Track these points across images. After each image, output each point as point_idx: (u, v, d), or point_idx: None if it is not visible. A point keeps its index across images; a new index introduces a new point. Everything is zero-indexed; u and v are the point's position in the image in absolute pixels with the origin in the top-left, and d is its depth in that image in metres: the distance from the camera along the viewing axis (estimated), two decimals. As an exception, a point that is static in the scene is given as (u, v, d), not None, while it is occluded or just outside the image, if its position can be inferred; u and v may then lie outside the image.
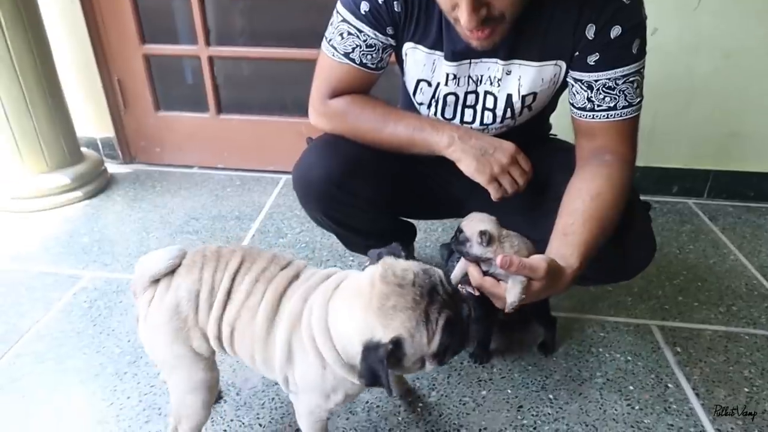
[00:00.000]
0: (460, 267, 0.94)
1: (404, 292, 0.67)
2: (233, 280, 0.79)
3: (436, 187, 1.16)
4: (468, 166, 0.93)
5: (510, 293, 0.78)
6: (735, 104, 1.82)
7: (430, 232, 1.70)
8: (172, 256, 0.81)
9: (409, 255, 1.45)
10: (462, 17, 0.79)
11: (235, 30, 2.00)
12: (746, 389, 1.14)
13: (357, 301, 0.69)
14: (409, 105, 1.12)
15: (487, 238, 0.82)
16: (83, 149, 1.98)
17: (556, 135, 1.24)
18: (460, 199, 1.15)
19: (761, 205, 1.93)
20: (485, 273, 0.85)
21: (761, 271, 1.55)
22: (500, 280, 0.82)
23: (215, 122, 2.06)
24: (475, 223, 0.86)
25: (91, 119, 2.07)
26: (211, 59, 1.96)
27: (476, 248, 0.84)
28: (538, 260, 0.76)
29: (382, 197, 1.09)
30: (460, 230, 0.86)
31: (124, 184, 2.00)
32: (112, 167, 2.11)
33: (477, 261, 0.85)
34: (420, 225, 1.71)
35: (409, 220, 1.35)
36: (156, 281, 0.81)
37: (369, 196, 1.06)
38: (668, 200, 1.96)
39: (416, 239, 1.56)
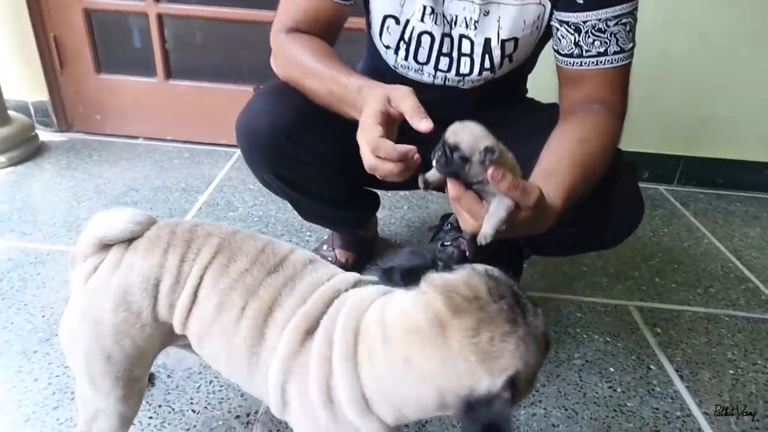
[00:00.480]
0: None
1: (492, 314, 0.48)
2: (201, 277, 0.61)
3: None
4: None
5: (491, 218, 0.62)
6: (708, 87, 1.78)
7: (395, 210, 1.58)
8: (134, 221, 0.63)
9: (371, 229, 1.33)
10: None
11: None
12: (731, 371, 1.06)
13: (421, 350, 0.49)
14: (372, 60, 1.00)
15: (495, 157, 0.60)
16: (11, 112, 1.76)
17: (532, 99, 1.14)
18: (426, 165, 1.03)
19: (731, 192, 1.90)
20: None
21: (736, 255, 1.50)
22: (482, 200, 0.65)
23: (163, 88, 1.88)
24: (471, 137, 0.62)
25: (22, 80, 1.85)
26: (160, 17, 1.78)
27: (477, 168, 0.62)
28: (531, 184, 0.63)
29: (338, 156, 0.96)
30: (452, 147, 0.62)
31: (57, 153, 1.80)
32: (46, 135, 1.90)
33: (459, 177, 0.65)
34: (384, 201, 1.59)
35: (371, 189, 1.22)
36: (105, 248, 0.62)
37: (323, 152, 0.93)
38: (640, 186, 1.90)
39: (380, 216, 1.44)
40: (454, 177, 0.63)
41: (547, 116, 0.89)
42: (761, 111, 1.79)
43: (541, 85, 1.06)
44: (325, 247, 1.24)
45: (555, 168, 0.73)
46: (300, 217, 1.45)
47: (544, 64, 0.98)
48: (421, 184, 0.70)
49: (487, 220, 0.62)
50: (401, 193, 1.66)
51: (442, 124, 0.81)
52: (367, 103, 0.71)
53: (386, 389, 0.53)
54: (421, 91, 0.91)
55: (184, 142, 1.94)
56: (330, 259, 1.21)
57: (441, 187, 0.70)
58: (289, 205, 1.07)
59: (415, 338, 0.50)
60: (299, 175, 0.95)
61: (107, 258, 0.62)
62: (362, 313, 0.56)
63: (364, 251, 1.29)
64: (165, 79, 1.87)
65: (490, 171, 0.59)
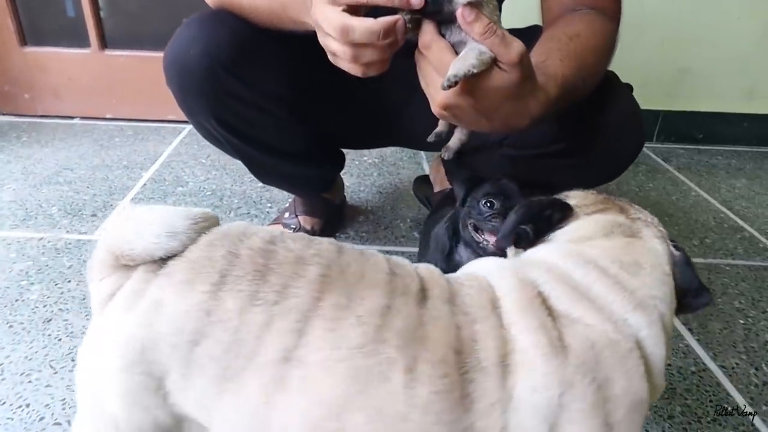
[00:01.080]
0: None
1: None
2: (301, 333, 0.38)
3: (360, 87, 0.88)
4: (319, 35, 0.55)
5: (458, 62, 0.49)
6: (685, 39, 1.70)
7: (363, 177, 1.44)
8: (172, 229, 0.41)
9: (337, 192, 1.19)
10: None
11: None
12: (741, 321, 0.97)
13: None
14: None
15: None
16: None
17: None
18: (394, 107, 0.90)
19: (711, 147, 1.83)
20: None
21: (726, 205, 1.42)
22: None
23: (99, 59, 1.69)
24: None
25: (-67, 57, 1.64)
26: (89, -21, 1.59)
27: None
28: (512, 36, 0.50)
29: (290, 92, 0.82)
30: None
31: (-21, 136, 1.60)
32: (-34, 119, 1.69)
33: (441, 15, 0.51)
34: (352, 170, 1.46)
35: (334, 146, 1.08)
36: (129, 267, 0.41)
37: (272, 88, 0.78)
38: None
39: (348, 184, 1.31)
40: (436, 10, 0.49)
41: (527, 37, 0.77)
42: (739, 61, 1.72)
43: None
44: (287, 215, 1.10)
45: (544, 63, 0.60)
46: (258, 186, 1.31)
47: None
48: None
49: (453, 63, 0.49)
50: (369, 160, 1.52)
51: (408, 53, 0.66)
52: None
53: None
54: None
55: (127, 120, 1.76)
56: (293, 226, 1.07)
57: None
58: (246, 176, 0.92)
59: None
60: (246, 121, 0.80)
61: (128, 284, 0.41)
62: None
63: (331, 217, 1.15)
64: (100, 49, 1.68)
65: (459, 9, 0.47)
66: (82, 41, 1.67)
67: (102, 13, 1.67)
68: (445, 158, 0.71)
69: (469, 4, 0.47)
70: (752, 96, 1.79)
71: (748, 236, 1.27)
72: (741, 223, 1.33)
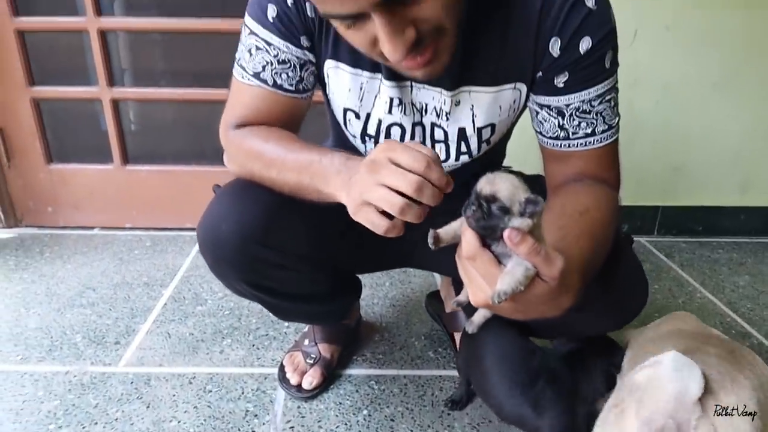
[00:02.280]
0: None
1: None
2: None
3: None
4: (348, 204, 0.64)
5: (506, 277, 0.53)
6: (678, 138, 1.79)
7: (376, 288, 1.48)
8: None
9: (354, 313, 1.23)
10: (386, 48, 0.58)
11: (145, 69, 1.77)
12: (759, 447, 0.98)
13: None
14: (340, 139, 0.93)
15: (539, 208, 0.53)
16: (-48, 212, 1.63)
17: (510, 167, 1.09)
18: (408, 246, 0.95)
19: (711, 239, 1.88)
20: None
21: (732, 308, 1.45)
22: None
23: (121, 174, 1.78)
24: (510, 186, 0.55)
25: (-36, 176, 1.73)
26: (114, 102, 1.70)
27: (517, 221, 0.54)
28: (555, 252, 0.55)
29: (317, 249, 0.87)
30: (489, 198, 0.53)
31: (3, 252, 1.65)
32: (-9, 232, 1.76)
33: (495, 233, 0.56)
34: (365, 280, 1.50)
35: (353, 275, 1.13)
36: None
37: (301, 249, 0.84)
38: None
39: (362, 296, 1.34)
40: (488, 233, 0.55)
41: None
42: (732, 157, 1.80)
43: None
44: (306, 341, 1.13)
45: (561, 244, 0.65)
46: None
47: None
48: (431, 240, 0.61)
49: (503, 277, 0.53)
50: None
51: None
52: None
53: None
54: None
55: (146, 229, 1.82)
56: (313, 355, 1.10)
57: (452, 247, 0.61)
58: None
59: None
60: (276, 280, 0.85)
61: None
62: None
63: (349, 341, 1.19)
64: (122, 164, 1.77)
65: (506, 232, 0.52)
66: (105, 157, 1.77)
67: (132, 127, 1.78)
68: (469, 332, 0.75)
69: (514, 228, 0.52)
70: (746, 189, 1.86)
71: (757, 343, 1.29)
72: (748, 328, 1.35)
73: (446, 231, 0.61)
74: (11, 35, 1.61)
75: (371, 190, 0.59)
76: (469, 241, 0.55)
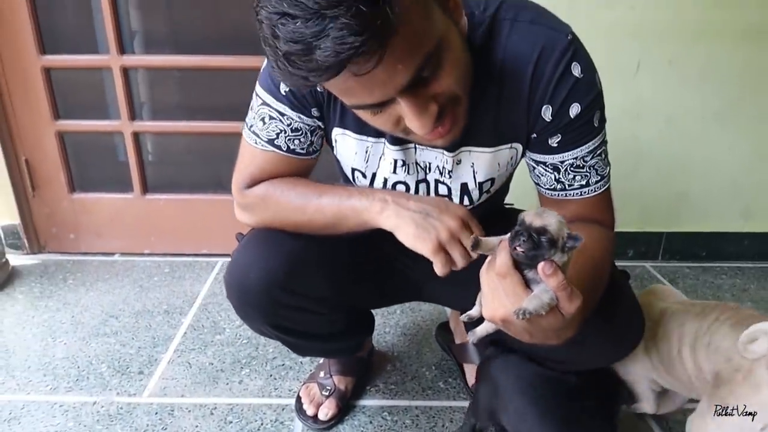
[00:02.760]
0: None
1: None
2: None
3: (393, 270, 1.01)
4: (406, 235, 0.74)
5: (534, 298, 0.61)
6: (679, 166, 1.83)
7: (387, 317, 1.53)
8: None
9: (366, 345, 1.28)
10: (414, 125, 0.64)
11: (163, 103, 1.84)
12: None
13: None
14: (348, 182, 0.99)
15: (577, 244, 0.61)
16: (-21, 240, 1.70)
17: (512, 204, 1.14)
18: (419, 280, 1.00)
19: (715, 264, 1.92)
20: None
21: (734, 337, 1.48)
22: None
23: (141, 203, 1.85)
24: (557, 221, 0.62)
25: (-9, 205, 1.80)
26: (135, 135, 1.77)
27: (557, 255, 0.61)
28: (577, 291, 0.62)
29: (335, 292, 0.93)
30: (539, 230, 0.60)
31: (29, 279, 1.72)
32: (16, 259, 1.82)
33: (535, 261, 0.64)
34: (376, 311, 1.55)
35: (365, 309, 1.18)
36: None
37: (321, 293, 0.90)
38: (626, 264, 1.90)
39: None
40: (527, 261, 0.62)
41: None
42: (734, 185, 1.84)
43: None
44: (321, 374, 1.18)
45: None
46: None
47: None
48: (472, 242, 0.69)
49: (530, 299, 0.61)
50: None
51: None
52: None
53: None
54: None
55: (164, 254, 1.89)
56: (329, 387, 1.15)
57: (461, 282, 0.73)
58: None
59: None
60: (297, 321, 0.91)
61: None
62: None
63: (362, 372, 1.24)
64: (142, 194, 1.84)
65: (542, 264, 0.59)
66: (126, 187, 1.84)
67: (150, 157, 1.85)
68: (472, 342, 0.80)
69: (549, 260, 0.60)
70: (749, 216, 1.90)
71: (758, 373, 1.33)
72: (750, 357, 1.39)
73: (486, 242, 0.68)
74: (38, 72, 1.68)
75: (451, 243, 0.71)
76: (504, 260, 0.62)
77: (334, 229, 0.82)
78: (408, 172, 0.85)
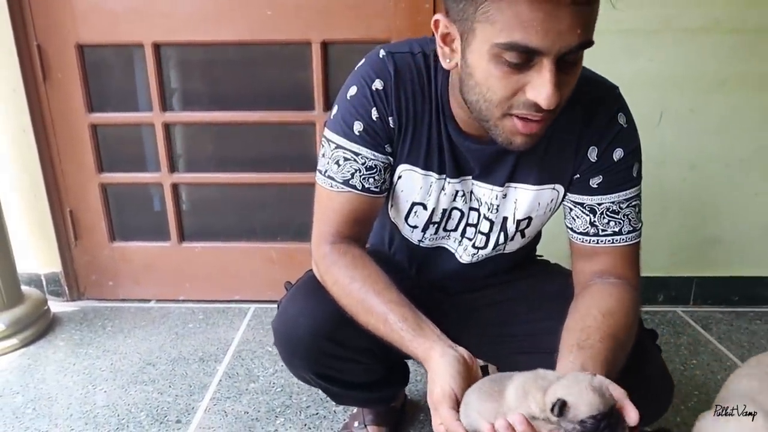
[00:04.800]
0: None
1: None
2: None
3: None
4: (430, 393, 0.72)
5: None
6: (706, 212, 1.84)
7: (420, 365, 1.53)
8: None
9: (400, 395, 1.29)
10: (542, 93, 0.66)
11: (200, 156, 1.93)
12: None
13: None
14: (385, 231, 1.03)
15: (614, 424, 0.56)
16: (24, 287, 1.77)
17: (542, 256, 1.17)
18: (451, 335, 1.02)
19: (748, 309, 1.89)
20: None
21: (773, 386, 1.45)
22: None
23: (177, 251, 1.91)
24: (607, 393, 0.56)
25: (36, 254, 1.88)
26: (174, 186, 1.86)
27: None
28: None
29: (374, 343, 0.95)
30: (614, 413, 0.55)
31: (69, 326, 1.78)
32: (57, 305, 1.89)
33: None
34: (412, 364, 1.57)
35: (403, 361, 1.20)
36: None
37: (362, 344, 0.92)
38: (657, 310, 1.89)
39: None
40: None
41: (560, 287, 0.93)
42: (763, 231, 1.84)
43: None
44: (356, 423, 1.20)
45: (586, 343, 0.73)
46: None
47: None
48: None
49: None
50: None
51: (458, 296, 0.96)
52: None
53: None
54: (439, 264, 0.98)
55: (198, 301, 1.94)
56: (363, 438, 1.16)
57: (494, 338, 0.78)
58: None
59: None
60: (339, 370, 0.94)
61: None
62: None
63: (396, 422, 1.25)
64: (179, 242, 1.90)
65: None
66: (163, 235, 1.91)
67: (184, 207, 1.92)
68: None
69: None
70: (781, 261, 1.88)
71: (801, 425, 1.30)
72: (791, 408, 1.36)
73: None
74: (85, 129, 1.79)
75: None
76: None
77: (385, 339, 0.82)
78: (465, 201, 0.90)
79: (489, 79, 0.69)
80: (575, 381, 0.55)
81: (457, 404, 0.65)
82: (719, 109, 1.73)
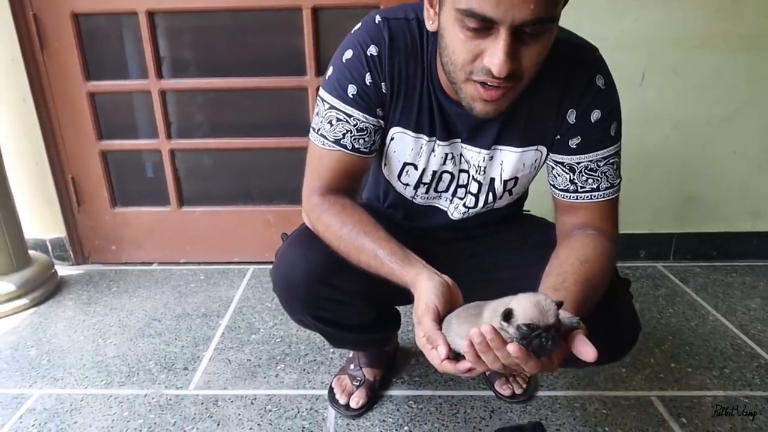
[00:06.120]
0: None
1: None
2: None
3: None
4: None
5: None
6: (687, 170, 1.91)
7: (411, 316, 1.62)
8: None
9: (393, 340, 1.38)
10: (495, 61, 0.71)
11: (196, 122, 1.97)
12: (762, 459, 1.08)
13: None
14: (379, 187, 1.09)
15: (547, 338, 0.62)
16: (31, 252, 1.84)
17: (529, 210, 1.24)
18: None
19: (725, 264, 1.98)
20: None
21: (742, 330, 1.55)
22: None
23: (177, 215, 1.98)
24: (554, 310, 0.63)
25: (40, 220, 1.95)
26: (172, 152, 1.91)
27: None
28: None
29: (368, 287, 1.03)
30: (555, 327, 0.62)
31: (76, 288, 1.86)
32: (63, 269, 1.97)
33: None
34: (402, 309, 1.65)
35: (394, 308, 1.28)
36: None
37: (355, 287, 0.99)
38: (638, 265, 1.98)
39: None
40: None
41: (543, 237, 0.99)
42: (741, 189, 1.91)
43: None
44: (352, 366, 1.29)
45: (561, 285, 0.80)
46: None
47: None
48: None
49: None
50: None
51: (447, 244, 1.01)
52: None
53: None
54: (431, 219, 1.04)
55: (199, 263, 2.02)
56: (359, 378, 1.25)
57: (483, 289, 0.77)
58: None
59: None
60: (334, 313, 1.01)
61: None
62: None
63: (389, 365, 1.34)
64: (178, 207, 1.97)
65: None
66: (162, 200, 1.97)
67: (181, 173, 1.98)
68: None
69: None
70: (758, 217, 1.96)
71: (765, 363, 1.39)
72: (757, 349, 1.46)
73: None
74: (84, 97, 1.83)
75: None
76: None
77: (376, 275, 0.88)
78: (454, 164, 0.96)
79: (454, 41, 0.75)
80: (525, 297, 0.64)
81: (439, 318, 0.72)
82: (701, 68, 1.78)
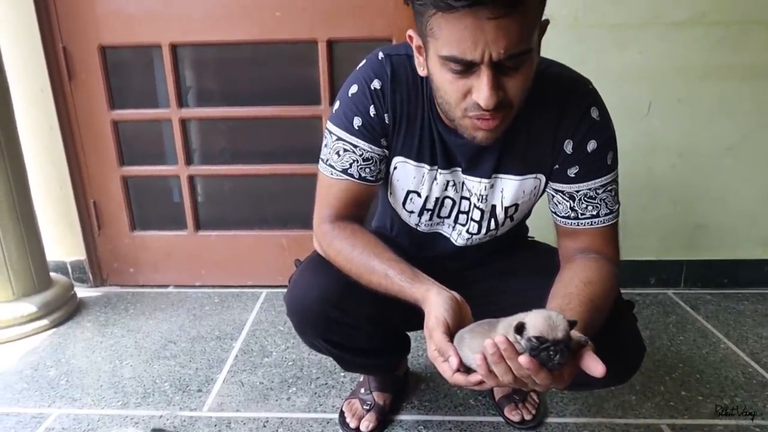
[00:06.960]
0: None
1: None
2: None
3: None
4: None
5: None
6: (695, 198, 1.93)
7: (421, 341, 1.64)
8: None
9: (403, 365, 1.40)
10: (482, 95, 0.76)
11: (214, 149, 2.04)
12: (773, 489, 1.08)
13: None
14: (387, 217, 1.14)
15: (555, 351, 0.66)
16: (52, 274, 1.89)
17: (533, 237, 1.26)
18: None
19: (736, 291, 1.98)
20: None
21: (754, 358, 1.55)
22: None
23: (193, 239, 2.03)
24: (564, 326, 0.67)
25: (62, 243, 2.01)
26: (190, 178, 1.97)
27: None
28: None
29: (378, 312, 1.06)
30: (564, 341, 0.65)
31: (94, 309, 1.90)
32: (81, 291, 2.02)
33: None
34: (411, 335, 1.67)
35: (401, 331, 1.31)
36: None
37: (367, 312, 1.03)
38: (648, 292, 1.99)
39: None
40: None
41: (547, 262, 1.01)
42: (751, 217, 1.92)
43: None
44: (362, 390, 1.31)
45: (567, 306, 0.82)
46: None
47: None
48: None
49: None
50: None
51: (455, 273, 1.01)
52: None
53: None
54: (437, 247, 1.07)
55: (213, 286, 2.06)
56: (369, 402, 1.27)
57: (490, 311, 0.79)
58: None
59: None
60: (345, 337, 1.04)
61: None
62: None
63: (399, 389, 1.36)
64: (195, 231, 2.02)
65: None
66: (180, 225, 2.03)
67: (200, 198, 2.04)
68: None
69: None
70: (767, 244, 1.96)
71: (777, 393, 1.39)
72: (769, 378, 1.46)
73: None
74: (108, 125, 1.91)
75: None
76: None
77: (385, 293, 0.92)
78: (456, 191, 1.00)
79: (444, 83, 0.80)
80: (538, 312, 0.68)
81: (449, 331, 0.75)
82: (706, 99, 1.81)
